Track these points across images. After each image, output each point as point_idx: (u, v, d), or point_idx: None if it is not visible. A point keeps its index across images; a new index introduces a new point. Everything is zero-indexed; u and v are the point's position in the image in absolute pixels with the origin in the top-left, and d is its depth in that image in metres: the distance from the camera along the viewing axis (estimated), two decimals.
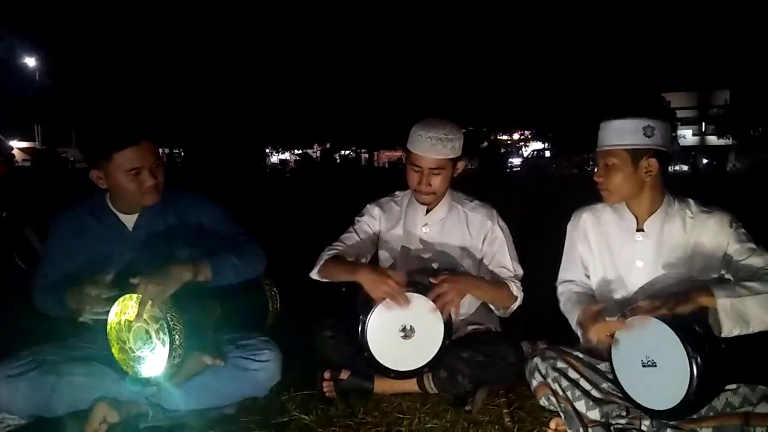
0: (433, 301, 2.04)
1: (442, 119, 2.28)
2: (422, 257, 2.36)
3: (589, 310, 1.91)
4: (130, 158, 1.92)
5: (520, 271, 2.35)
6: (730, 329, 1.69)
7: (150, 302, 1.77)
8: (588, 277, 2.16)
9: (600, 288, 2.11)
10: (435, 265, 2.34)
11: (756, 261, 1.84)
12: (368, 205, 2.50)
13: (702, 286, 1.74)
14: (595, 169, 2.03)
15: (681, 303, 1.69)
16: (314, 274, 2.32)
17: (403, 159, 2.42)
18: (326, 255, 2.32)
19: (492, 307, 2.35)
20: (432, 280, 2.08)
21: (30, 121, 36.50)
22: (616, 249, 2.06)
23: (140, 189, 1.97)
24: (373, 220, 2.46)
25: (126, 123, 1.97)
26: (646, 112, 1.92)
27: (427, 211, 2.37)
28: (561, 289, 2.20)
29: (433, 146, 2.20)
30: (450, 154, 2.23)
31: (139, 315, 1.78)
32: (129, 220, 2.09)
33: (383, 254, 2.45)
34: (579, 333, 1.98)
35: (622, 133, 1.91)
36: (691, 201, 2.01)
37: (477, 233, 2.36)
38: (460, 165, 2.32)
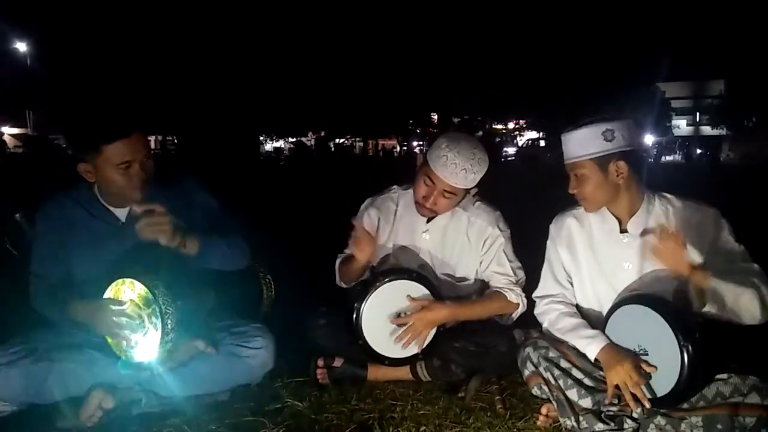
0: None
1: (472, 142, 2.14)
2: (420, 263, 2.30)
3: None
4: (121, 151, 1.87)
5: (522, 276, 2.29)
6: (703, 308, 1.76)
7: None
8: (571, 284, 2.10)
9: (585, 293, 2.06)
10: (434, 271, 2.30)
11: (735, 267, 1.83)
12: (365, 211, 2.39)
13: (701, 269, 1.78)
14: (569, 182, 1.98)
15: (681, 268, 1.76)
16: (339, 283, 2.39)
17: (417, 162, 2.26)
18: (338, 263, 2.38)
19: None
20: (407, 312, 2.10)
21: (21, 108, 36.16)
22: (602, 253, 2.01)
23: (129, 183, 1.92)
24: (370, 228, 2.34)
25: (117, 114, 1.92)
26: (602, 116, 1.88)
27: (430, 219, 2.28)
28: (543, 307, 2.11)
29: (456, 174, 2.08)
30: (469, 184, 2.14)
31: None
32: (121, 213, 2.04)
33: (380, 256, 2.38)
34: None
35: (583, 143, 1.88)
36: (671, 196, 1.98)
37: (476, 239, 2.28)
38: (473, 190, 2.23)
